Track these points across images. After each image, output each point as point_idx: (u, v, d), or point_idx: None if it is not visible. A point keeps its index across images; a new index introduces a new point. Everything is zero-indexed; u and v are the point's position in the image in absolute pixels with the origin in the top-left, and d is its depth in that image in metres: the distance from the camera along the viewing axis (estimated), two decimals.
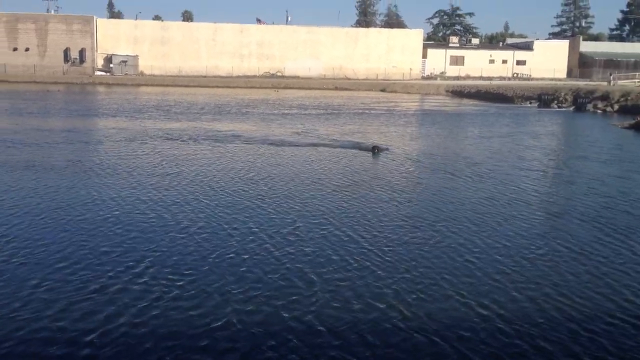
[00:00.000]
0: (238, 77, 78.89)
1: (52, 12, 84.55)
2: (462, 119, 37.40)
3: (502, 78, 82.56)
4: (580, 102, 44.94)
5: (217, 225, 10.63)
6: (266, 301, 7.30)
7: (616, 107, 42.01)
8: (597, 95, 44.82)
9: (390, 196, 13.34)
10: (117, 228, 10.32)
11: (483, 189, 14.29)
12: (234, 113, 36.31)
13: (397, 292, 7.66)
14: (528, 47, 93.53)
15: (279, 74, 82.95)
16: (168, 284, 7.77)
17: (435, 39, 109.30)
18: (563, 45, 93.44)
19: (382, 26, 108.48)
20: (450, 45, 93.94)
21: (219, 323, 6.71)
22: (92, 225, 10.49)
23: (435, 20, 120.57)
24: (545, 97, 48.78)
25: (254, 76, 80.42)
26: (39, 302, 7.13)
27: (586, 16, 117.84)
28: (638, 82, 63.84)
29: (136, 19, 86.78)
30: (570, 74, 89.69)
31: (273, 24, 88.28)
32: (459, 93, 62.52)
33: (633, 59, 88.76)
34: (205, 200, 12.52)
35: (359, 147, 21.23)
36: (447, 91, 64.56)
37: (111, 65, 78.59)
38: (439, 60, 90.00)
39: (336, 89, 71.03)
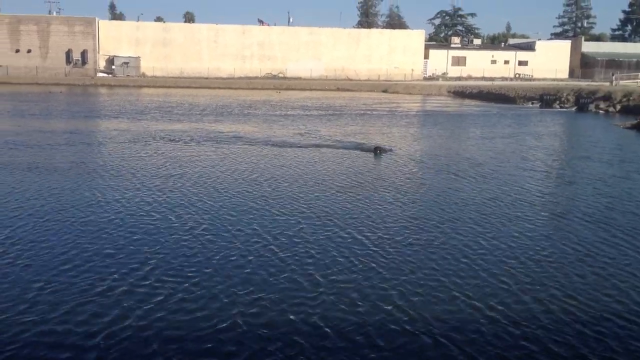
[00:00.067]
0: (240, 78, 78.88)
1: (54, 13, 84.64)
2: (464, 119, 37.37)
3: (504, 78, 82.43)
4: (582, 102, 44.86)
5: (221, 226, 10.62)
6: (272, 303, 7.29)
7: (618, 107, 41.97)
8: (599, 95, 44.76)
9: (394, 197, 13.33)
10: (121, 230, 10.32)
11: (487, 190, 14.27)
12: (236, 114, 36.31)
13: (403, 294, 7.65)
14: (530, 47, 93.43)
15: (280, 75, 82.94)
16: (173, 286, 7.76)
17: (437, 40, 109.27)
18: (565, 45, 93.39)
19: (383, 27, 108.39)
20: (452, 45, 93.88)
21: (225, 325, 6.70)
22: (97, 227, 10.49)
23: (437, 21, 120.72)
24: (547, 98, 48.69)
25: (256, 77, 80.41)
26: (44, 305, 7.13)
27: (588, 16, 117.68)
28: None
29: (138, 20, 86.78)
30: (572, 74, 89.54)
31: (275, 25, 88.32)
32: (460, 94, 62.43)
33: (635, 59, 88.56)
34: (209, 202, 12.51)
35: (361, 148, 21.22)
36: (449, 92, 64.47)
37: (113, 67, 78.65)
38: (440, 60, 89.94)
39: (338, 90, 71.01)
